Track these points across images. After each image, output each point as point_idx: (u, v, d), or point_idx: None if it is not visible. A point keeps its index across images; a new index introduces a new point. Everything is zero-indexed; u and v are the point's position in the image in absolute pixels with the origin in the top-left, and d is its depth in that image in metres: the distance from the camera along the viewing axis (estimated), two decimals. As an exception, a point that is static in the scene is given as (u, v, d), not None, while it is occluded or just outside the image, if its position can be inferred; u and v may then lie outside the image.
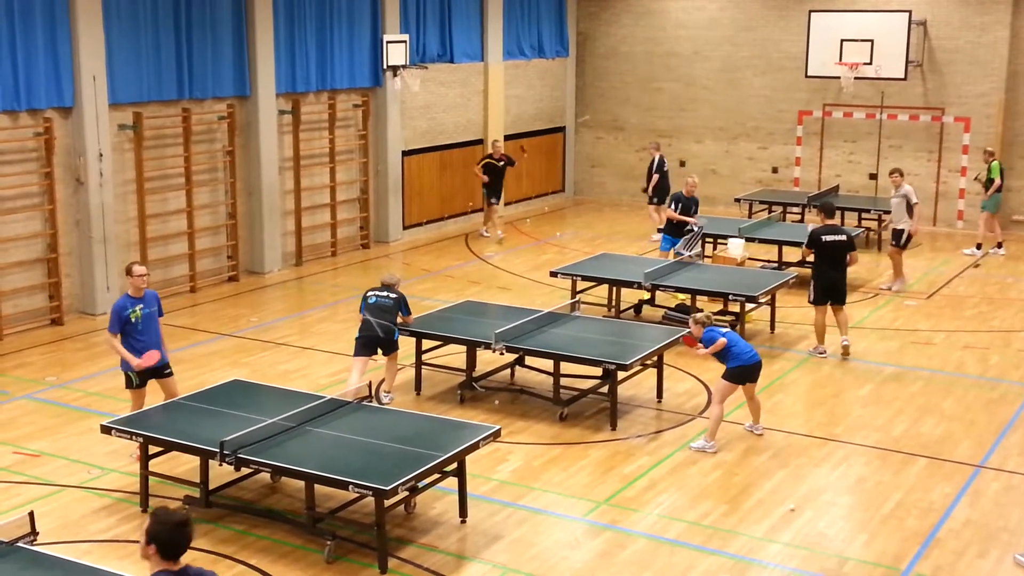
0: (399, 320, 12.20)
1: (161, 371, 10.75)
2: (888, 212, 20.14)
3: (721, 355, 11.11)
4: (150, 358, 10.51)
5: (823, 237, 13.91)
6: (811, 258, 14.21)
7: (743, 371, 11.10)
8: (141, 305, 10.53)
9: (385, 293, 12.20)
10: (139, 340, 10.52)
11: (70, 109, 15.37)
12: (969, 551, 9.11)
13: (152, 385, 10.78)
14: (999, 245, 19.90)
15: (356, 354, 12.13)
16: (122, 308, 10.47)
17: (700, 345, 11.20)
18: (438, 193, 22.17)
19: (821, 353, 14.06)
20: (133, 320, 10.47)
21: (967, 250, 19.82)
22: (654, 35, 24.68)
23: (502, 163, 20.99)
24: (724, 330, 11.29)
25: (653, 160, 21.02)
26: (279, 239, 18.69)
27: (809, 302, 14.21)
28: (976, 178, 20.21)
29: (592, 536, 9.39)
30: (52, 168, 15.21)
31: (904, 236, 17.09)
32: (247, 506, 9.69)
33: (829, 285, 13.99)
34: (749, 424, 11.58)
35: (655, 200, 20.92)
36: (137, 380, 10.61)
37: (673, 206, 17.30)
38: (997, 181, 19.38)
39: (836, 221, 14.83)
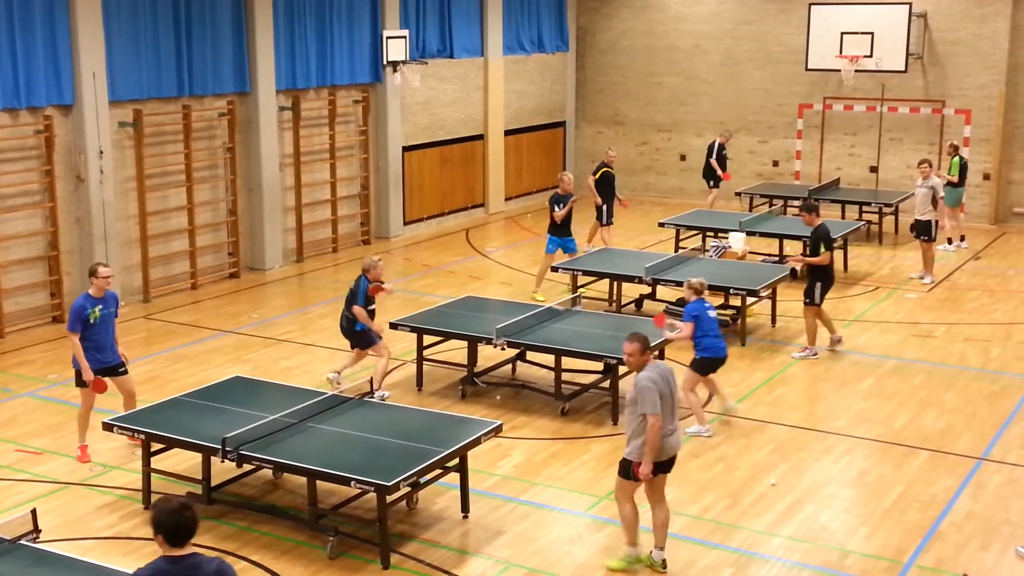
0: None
1: (115, 369, 10.74)
2: (888, 205, 20.22)
3: (695, 341, 11.29)
4: (100, 386, 10.51)
5: (830, 235, 13.80)
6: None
7: (711, 363, 11.38)
8: (101, 306, 10.47)
9: (353, 281, 12.18)
10: (94, 340, 10.46)
11: (70, 107, 15.36)
12: (971, 544, 9.12)
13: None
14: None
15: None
16: (81, 308, 10.39)
17: (667, 326, 11.36)
18: (439, 188, 22.17)
19: (815, 355, 13.83)
20: (92, 320, 10.41)
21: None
22: (654, 29, 24.65)
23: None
24: (713, 314, 11.36)
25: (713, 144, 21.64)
26: (280, 235, 18.69)
27: (814, 304, 13.65)
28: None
29: (594, 531, 9.40)
30: (52, 166, 15.21)
31: (934, 227, 17.13)
32: (249, 502, 9.71)
33: (831, 284, 13.89)
34: (729, 403, 11.85)
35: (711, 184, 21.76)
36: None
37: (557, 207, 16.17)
38: (955, 177, 19.33)
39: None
